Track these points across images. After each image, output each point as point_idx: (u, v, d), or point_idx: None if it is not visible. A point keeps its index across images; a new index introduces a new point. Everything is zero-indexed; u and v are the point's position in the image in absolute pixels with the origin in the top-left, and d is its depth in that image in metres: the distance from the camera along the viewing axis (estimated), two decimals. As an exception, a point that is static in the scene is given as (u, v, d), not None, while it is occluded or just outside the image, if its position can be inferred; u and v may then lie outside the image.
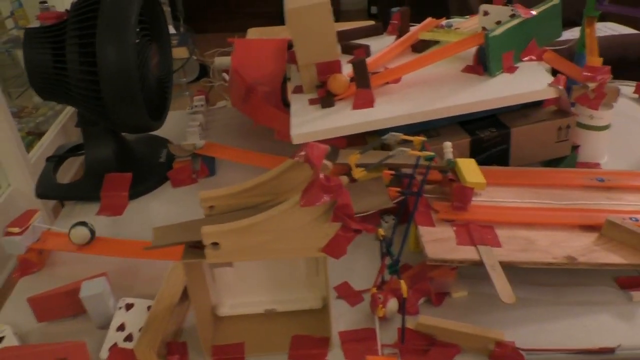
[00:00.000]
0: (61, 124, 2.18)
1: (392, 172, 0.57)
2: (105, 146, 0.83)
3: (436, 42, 0.95)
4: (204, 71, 2.91)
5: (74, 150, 0.91)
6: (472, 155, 0.80)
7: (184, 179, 0.86)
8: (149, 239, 0.72)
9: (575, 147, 0.83)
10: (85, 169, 0.83)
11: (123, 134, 0.87)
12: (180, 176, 0.86)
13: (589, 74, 0.80)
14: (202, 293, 0.57)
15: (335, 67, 0.85)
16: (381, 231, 0.57)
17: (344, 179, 0.47)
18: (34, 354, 0.53)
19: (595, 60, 0.84)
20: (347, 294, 0.63)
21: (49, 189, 0.82)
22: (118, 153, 0.84)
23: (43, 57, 0.72)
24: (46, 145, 1.98)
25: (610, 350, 0.54)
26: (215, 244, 0.47)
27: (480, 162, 0.81)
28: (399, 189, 0.58)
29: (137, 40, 0.71)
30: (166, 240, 0.50)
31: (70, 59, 0.70)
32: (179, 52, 2.13)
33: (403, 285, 0.51)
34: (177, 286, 0.60)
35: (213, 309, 0.61)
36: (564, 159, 0.82)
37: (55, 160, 0.88)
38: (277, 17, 3.96)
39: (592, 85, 0.80)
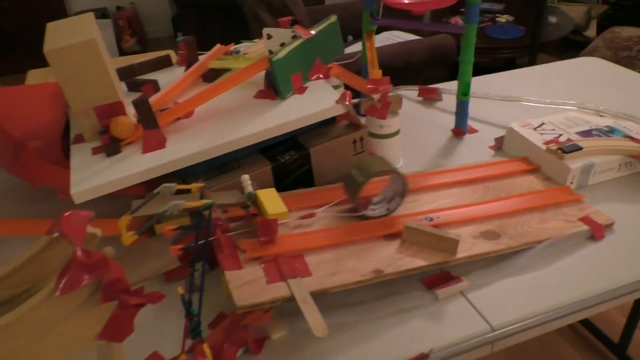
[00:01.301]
0: None
1: (174, 227, 0.52)
2: None
3: (227, 70, 0.92)
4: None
5: None
6: (277, 181, 0.78)
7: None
8: None
9: (372, 157, 0.86)
10: None
11: None
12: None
13: (373, 86, 0.84)
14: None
15: (117, 109, 0.77)
16: (180, 290, 0.51)
17: (109, 250, 0.40)
18: None
19: (376, 73, 0.88)
20: (158, 365, 0.56)
21: None
22: None
23: None
24: None
25: (424, 356, 0.55)
26: (-50, 366, 0.37)
27: (287, 187, 0.80)
28: (181, 246, 0.53)
29: None
30: None
31: None
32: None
33: (206, 349, 0.45)
34: None
35: None
36: (365, 169, 0.85)
37: None
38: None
39: (376, 96, 0.84)
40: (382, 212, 0.72)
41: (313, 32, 0.84)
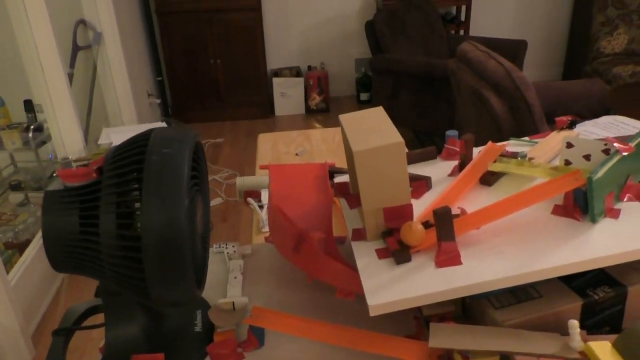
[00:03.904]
0: (45, 234, 1.97)
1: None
2: (130, 320, 0.66)
3: (504, 174, 0.85)
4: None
5: (87, 315, 0.75)
6: (582, 320, 0.67)
7: (229, 355, 0.69)
8: None
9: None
10: (105, 350, 0.66)
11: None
12: (223, 350, 0.70)
13: None
14: None
15: (407, 212, 0.73)
16: None
17: None
18: None
19: None
20: None
21: (60, 381, 0.64)
22: (146, 327, 0.67)
23: (68, 223, 0.57)
24: (29, 262, 1.77)
25: None
26: None
27: (590, 327, 0.68)
28: None
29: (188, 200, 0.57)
30: None
31: (106, 228, 0.56)
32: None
33: None
34: None
35: None
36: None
37: (65, 334, 0.71)
38: (266, 105, 3.93)
39: None
40: None
41: (633, 146, 0.73)
